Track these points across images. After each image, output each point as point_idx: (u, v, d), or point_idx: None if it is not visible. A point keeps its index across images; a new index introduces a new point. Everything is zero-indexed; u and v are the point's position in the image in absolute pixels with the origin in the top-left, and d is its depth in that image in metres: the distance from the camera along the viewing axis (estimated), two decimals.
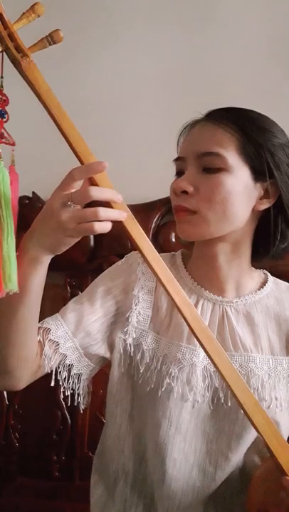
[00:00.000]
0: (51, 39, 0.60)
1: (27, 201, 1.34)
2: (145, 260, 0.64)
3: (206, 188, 0.71)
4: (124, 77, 1.38)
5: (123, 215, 0.60)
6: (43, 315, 0.78)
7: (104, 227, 0.58)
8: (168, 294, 0.65)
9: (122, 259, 0.85)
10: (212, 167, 0.71)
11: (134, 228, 0.62)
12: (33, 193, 1.35)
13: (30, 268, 0.62)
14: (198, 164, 0.72)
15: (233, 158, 0.70)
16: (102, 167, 0.58)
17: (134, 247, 0.64)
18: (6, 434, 1.32)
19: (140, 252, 0.63)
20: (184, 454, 0.76)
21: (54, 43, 0.60)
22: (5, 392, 1.33)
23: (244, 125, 0.71)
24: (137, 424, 0.79)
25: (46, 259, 0.63)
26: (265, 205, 0.74)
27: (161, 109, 1.30)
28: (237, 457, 0.76)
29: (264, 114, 0.76)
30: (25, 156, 1.28)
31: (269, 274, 0.84)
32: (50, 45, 0.60)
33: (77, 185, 0.59)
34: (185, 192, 0.72)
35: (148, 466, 0.79)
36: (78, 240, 0.61)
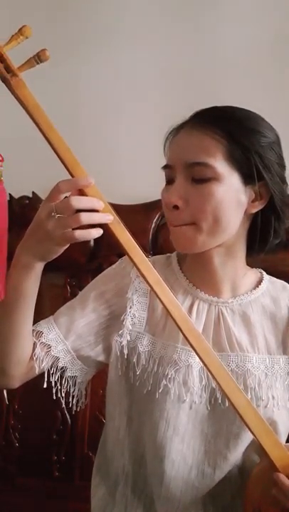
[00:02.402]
0: (38, 58, 0.64)
1: (27, 201, 1.35)
2: (132, 263, 0.65)
3: (196, 199, 0.70)
4: (124, 77, 1.38)
5: (107, 217, 0.63)
6: (43, 315, 0.79)
7: (84, 234, 0.61)
8: (156, 295, 0.66)
9: (116, 263, 0.85)
10: (201, 178, 0.70)
11: (121, 232, 0.64)
12: (33, 193, 1.35)
13: (24, 274, 0.66)
14: (187, 174, 0.71)
15: (221, 166, 0.69)
16: (88, 182, 0.62)
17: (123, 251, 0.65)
18: (6, 434, 1.33)
19: (127, 255, 0.65)
20: (182, 455, 0.75)
21: (41, 61, 0.64)
22: (5, 392, 1.33)
23: (231, 129, 0.70)
24: (136, 425, 0.79)
25: (38, 266, 0.67)
26: (257, 207, 0.73)
27: (160, 108, 1.29)
28: (235, 457, 0.76)
29: (264, 113, 0.74)
30: (26, 156, 1.29)
31: (264, 273, 0.84)
32: (37, 63, 0.64)
33: (64, 196, 0.62)
34: (176, 206, 0.71)
35: (147, 468, 0.79)
36: (67, 247, 0.64)
